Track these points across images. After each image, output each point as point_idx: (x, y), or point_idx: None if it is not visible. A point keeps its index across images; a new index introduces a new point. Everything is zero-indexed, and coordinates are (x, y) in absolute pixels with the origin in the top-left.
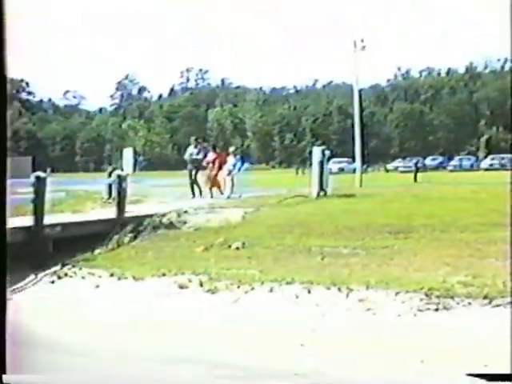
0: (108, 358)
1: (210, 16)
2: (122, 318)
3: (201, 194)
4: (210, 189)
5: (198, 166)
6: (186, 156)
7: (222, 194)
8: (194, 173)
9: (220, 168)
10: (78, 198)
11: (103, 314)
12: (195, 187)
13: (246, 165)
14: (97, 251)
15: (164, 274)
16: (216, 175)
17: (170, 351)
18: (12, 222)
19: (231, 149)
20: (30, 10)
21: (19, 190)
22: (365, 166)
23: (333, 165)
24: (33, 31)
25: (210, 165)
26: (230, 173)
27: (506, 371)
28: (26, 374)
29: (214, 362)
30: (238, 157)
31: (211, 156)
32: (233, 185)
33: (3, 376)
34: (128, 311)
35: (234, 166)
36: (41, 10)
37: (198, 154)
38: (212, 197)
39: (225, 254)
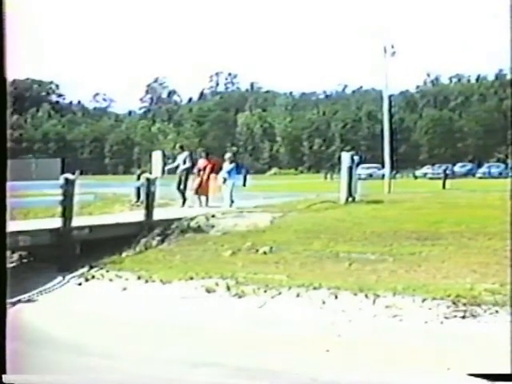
0: (133, 361)
1: (240, 20)
2: (148, 320)
3: (183, 203)
4: (198, 196)
5: (186, 174)
6: (174, 165)
7: (207, 202)
8: (182, 180)
9: (210, 174)
10: (106, 201)
11: (130, 316)
12: (185, 195)
13: (238, 177)
14: (124, 254)
15: (191, 278)
16: (204, 182)
17: (196, 355)
18: (40, 224)
19: (227, 155)
20: (62, 13)
21: (48, 192)
22: (393, 172)
23: (361, 170)
24: (64, 34)
25: (201, 172)
26: (225, 180)
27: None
28: (25, 374)
29: (239, 367)
30: (234, 164)
31: (202, 163)
32: (230, 192)
33: (3, 376)
34: (155, 314)
35: (230, 173)
36: (72, 13)
37: (184, 161)
38: (201, 205)
39: (252, 258)
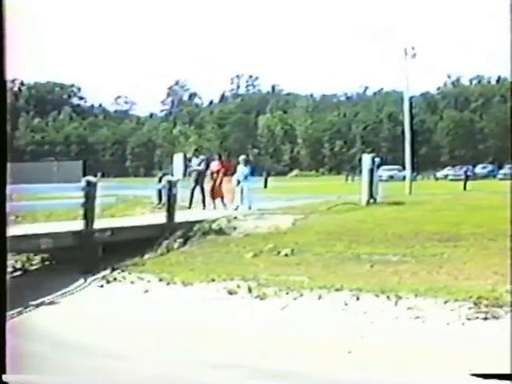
0: (154, 363)
1: (261, 23)
2: (169, 323)
3: (203, 206)
4: (213, 199)
5: (199, 177)
6: (188, 168)
7: (223, 204)
8: (193, 185)
9: (225, 177)
10: (128, 203)
11: (151, 319)
12: (198, 199)
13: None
14: (146, 256)
15: (213, 280)
16: (219, 185)
17: (217, 357)
18: (62, 226)
19: (241, 157)
20: (85, 16)
21: (69, 194)
22: (414, 174)
23: (382, 172)
24: (86, 37)
25: (214, 175)
26: (238, 183)
27: None
28: (25, 374)
29: (260, 368)
30: (248, 166)
31: (215, 165)
32: (242, 195)
33: (3, 376)
34: (176, 316)
35: (246, 175)
36: (95, 16)
37: (199, 164)
38: (215, 208)
39: (274, 260)
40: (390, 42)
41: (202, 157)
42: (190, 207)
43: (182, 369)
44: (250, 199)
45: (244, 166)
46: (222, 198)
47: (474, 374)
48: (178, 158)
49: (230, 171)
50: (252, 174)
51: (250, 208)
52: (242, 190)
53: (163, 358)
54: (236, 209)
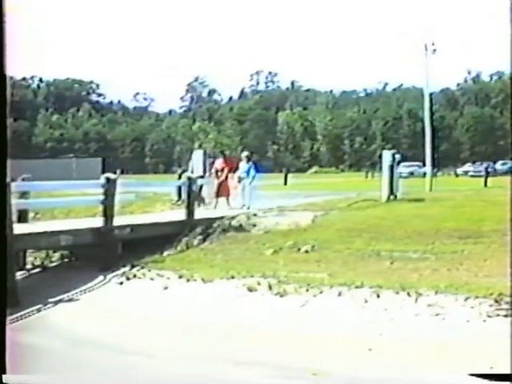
0: (174, 360)
1: (280, 19)
2: (189, 319)
3: (202, 204)
4: (217, 198)
5: (202, 176)
6: (190, 168)
7: (228, 204)
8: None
9: (228, 175)
10: (147, 200)
11: (171, 315)
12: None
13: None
14: (166, 253)
15: (233, 277)
16: (224, 183)
17: (237, 354)
18: (82, 223)
19: (244, 154)
20: (104, 12)
21: (89, 191)
22: (435, 170)
23: (403, 168)
24: (105, 33)
25: (219, 173)
26: (240, 180)
27: None
28: (26, 374)
29: (280, 365)
30: (251, 163)
31: (219, 163)
32: (244, 193)
33: (3, 376)
34: (196, 313)
35: (248, 172)
36: (114, 13)
37: (204, 162)
38: (215, 207)
39: (294, 257)
40: (410, 37)
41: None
42: (199, 205)
43: (202, 366)
44: (251, 198)
45: (246, 163)
46: (228, 196)
47: (473, 374)
48: (198, 155)
49: (234, 169)
50: (257, 171)
51: (248, 208)
52: (247, 188)
53: (183, 356)
54: (242, 208)
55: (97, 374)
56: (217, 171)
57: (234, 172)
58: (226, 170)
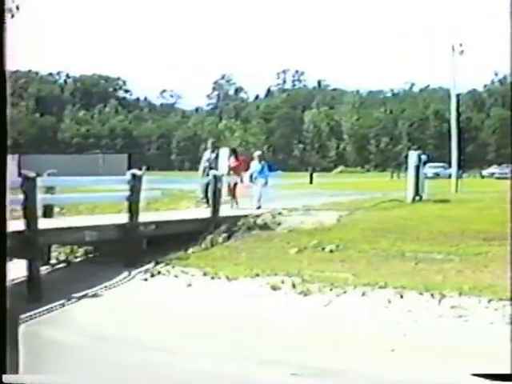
0: (198, 357)
1: (307, 18)
2: (213, 317)
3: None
4: (231, 197)
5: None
6: (203, 162)
7: (236, 204)
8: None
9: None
10: (172, 197)
11: (195, 313)
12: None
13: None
14: (190, 250)
15: (257, 275)
16: (235, 183)
17: (261, 352)
18: (107, 219)
19: (256, 153)
20: (130, 9)
21: (114, 187)
22: (460, 172)
23: (428, 169)
24: (131, 30)
25: (231, 172)
26: (251, 179)
27: None
28: (26, 374)
29: (303, 364)
30: (264, 162)
31: (232, 162)
32: (258, 193)
33: (3, 376)
34: (220, 311)
35: (261, 172)
36: (140, 10)
37: (216, 159)
38: (232, 207)
39: (318, 256)
40: (437, 38)
41: (216, 150)
42: (208, 206)
43: (225, 364)
44: (262, 198)
45: (258, 163)
46: (237, 196)
47: (476, 374)
48: (224, 153)
49: (247, 168)
50: (269, 170)
51: (259, 207)
52: (259, 188)
53: (206, 353)
54: (258, 208)
55: (119, 371)
56: (229, 170)
57: (245, 171)
58: (239, 170)
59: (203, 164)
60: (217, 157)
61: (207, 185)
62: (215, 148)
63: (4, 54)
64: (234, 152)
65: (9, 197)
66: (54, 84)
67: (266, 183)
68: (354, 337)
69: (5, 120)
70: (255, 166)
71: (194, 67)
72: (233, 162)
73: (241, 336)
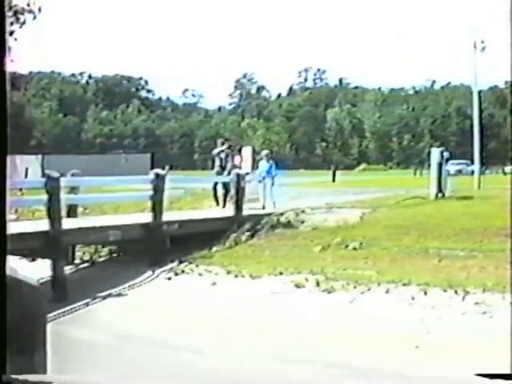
0: (221, 356)
1: (328, 16)
2: (237, 315)
3: (217, 205)
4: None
5: (229, 173)
6: (218, 163)
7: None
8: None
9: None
10: (195, 196)
11: (219, 311)
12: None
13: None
14: (214, 249)
15: (281, 273)
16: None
17: (285, 351)
18: (130, 218)
19: (263, 152)
20: (151, 10)
21: (138, 187)
22: (483, 168)
23: (451, 166)
24: (153, 31)
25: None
26: (261, 179)
27: None
28: (27, 374)
29: (328, 362)
30: (272, 162)
31: (237, 160)
32: (266, 192)
33: (3, 376)
34: (244, 309)
35: (269, 171)
36: (162, 10)
37: (226, 157)
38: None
39: (342, 254)
40: (458, 35)
41: (227, 151)
42: (219, 204)
43: (250, 362)
44: (274, 196)
45: (266, 162)
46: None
47: (479, 374)
48: (247, 151)
49: (254, 166)
50: (277, 168)
51: (274, 206)
52: (264, 188)
53: (231, 352)
54: (263, 208)
55: (143, 370)
56: (235, 168)
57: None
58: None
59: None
60: (226, 156)
61: (216, 184)
62: (225, 147)
63: (4, 54)
64: (239, 151)
65: (9, 198)
66: (77, 84)
67: (272, 183)
68: (378, 334)
69: (5, 120)
70: (263, 165)
71: (215, 66)
72: (238, 159)
73: (265, 334)
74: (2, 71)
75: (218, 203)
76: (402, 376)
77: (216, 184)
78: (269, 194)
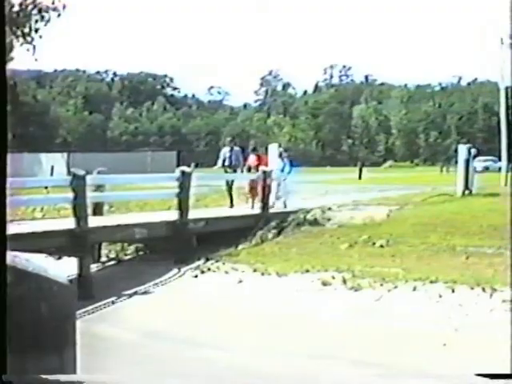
0: (248, 353)
1: (355, 13)
2: (264, 313)
3: (231, 205)
4: (253, 198)
5: (234, 171)
6: (220, 161)
7: (252, 205)
8: (230, 180)
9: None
10: (221, 193)
11: (245, 309)
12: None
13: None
14: (240, 246)
15: (307, 271)
16: (255, 182)
17: (312, 348)
18: (157, 216)
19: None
20: (177, 7)
21: (164, 184)
22: (510, 165)
23: (477, 163)
24: (179, 28)
25: (253, 170)
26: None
27: None
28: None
29: (354, 360)
30: (286, 160)
31: (253, 160)
32: (279, 192)
33: (3, 376)
34: (270, 307)
35: (283, 170)
36: (187, 7)
37: (231, 157)
38: (253, 207)
39: (368, 251)
40: (485, 31)
41: (236, 148)
42: (232, 206)
43: (277, 360)
44: (286, 195)
45: (280, 160)
46: (256, 196)
47: (480, 374)
48: (273, 149)
49: (267, 166)
50: (291, 165)
51: (285, 205)
52: (278, 186)
53: (258, 350)
54: (272, 206)
55: (171, 368)
56: (250, 168)
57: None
58: (261, 168)
59: (220, 161)
60: (231, 154)
61: (228, 182)
62: (233, 145)
63: (4, 52)
64: (254, 150)
65: (9, 196)
66: (102, 82)
67: (284, 179)
68: (406, 332)
69: (5, 118)
70: (277, 163)
71: (241, 63)
72: (253, 160)
73: (292, 332)
74: (2, 71)
75: (232, 204)
76: (429, 374)
77: (227, 182)
78: (282, 192)
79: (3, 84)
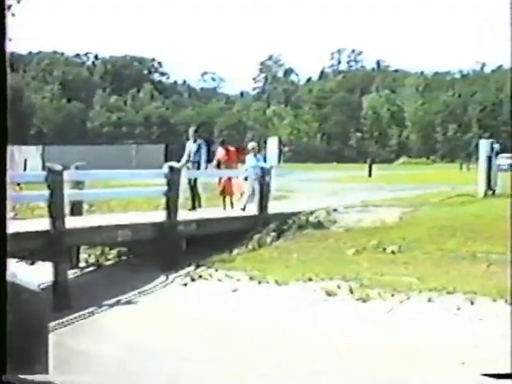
0: (242, 369)
1: None
2: (261, 326)
3: (199, 205)
4: (223, 198)
5: (198, 168)
6: (185, 156)
7: (232, 205)
8: (192, 178)
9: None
10: (215, 192)
11: (240, 321)
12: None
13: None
14: (235, 251)
15: (310, 279)
16: (226, 180)
17: (315, 364)
18: (142, 217)
19: (250, 145)
20: None
21: (150, 181)
22: None
23: (502, 160)
24: (169, 8)
25: (222, 166)
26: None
27: None
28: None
29: (361, 378)
30: (260, 156)
31: (222, 154)
32: (252, 192)
33: (3, 376)
34: (268, 319)
35: (254, 167)
36: None
37: (197, 151)
38: (225, 208)
39: (379, 258)
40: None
41: (199, 140)
42: (193, 208)
43: (275, 377)
44: (251, 197)
45: (253, 157)
46: (231, 195)
47: (486, 374)
48: (272, 142)
49: (238, 161)
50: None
51: (243, 209)
52: (252, 186)
53: (253, 365)
54: (243, 209)
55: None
56: (219, 163)
57: (237, 164)
58: (230, 163)
59: (185, 156)
60: (198, 149)
61: (190, 180)
62: (197, 137)
63: (4, 43)
64: (222, 143)
65: (9, 192)
66: (82, 66)
67: (255, 179)
68: (419, 348)
69: (5, 111)
70: (250, 160)
71: (238, 47)
72: (222, 154)
73: (292, 347)
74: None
75: (193, 207)
76: None
77: (189, 181)
78: (256, 193)
79: (3, 78)
